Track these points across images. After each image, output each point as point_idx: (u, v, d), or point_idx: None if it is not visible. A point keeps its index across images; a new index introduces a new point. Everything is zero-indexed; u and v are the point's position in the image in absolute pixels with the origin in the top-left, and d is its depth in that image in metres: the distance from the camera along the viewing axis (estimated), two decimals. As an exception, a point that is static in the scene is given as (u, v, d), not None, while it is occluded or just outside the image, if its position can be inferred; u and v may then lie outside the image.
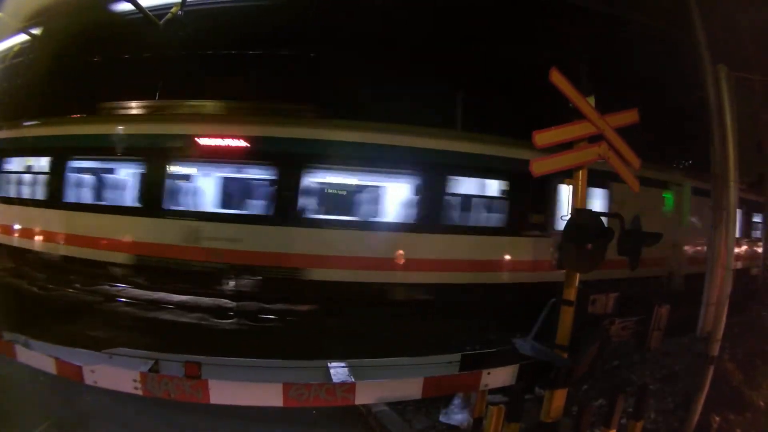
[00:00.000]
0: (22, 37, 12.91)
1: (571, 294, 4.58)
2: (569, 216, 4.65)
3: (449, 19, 11.45)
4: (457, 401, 5.34)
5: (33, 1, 12.96)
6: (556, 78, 4.51)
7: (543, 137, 4.45)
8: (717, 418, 4.81)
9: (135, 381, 4.00)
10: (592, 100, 4.78)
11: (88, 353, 4.59)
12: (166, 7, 10.24)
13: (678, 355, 6.15)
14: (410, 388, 4.07)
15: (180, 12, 9.22)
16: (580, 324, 4.56)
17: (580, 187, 4.73)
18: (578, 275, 4.58)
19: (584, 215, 4.66)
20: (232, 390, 4.00)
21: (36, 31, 12.43)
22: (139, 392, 4.00)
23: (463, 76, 11.43)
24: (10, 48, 13.38)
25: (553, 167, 4.56)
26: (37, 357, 4.42)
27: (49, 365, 4.29)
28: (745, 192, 10.97)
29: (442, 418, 5.27)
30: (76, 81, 12.15)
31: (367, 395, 4.09)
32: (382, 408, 5.42)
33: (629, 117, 5.07)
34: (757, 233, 13.04)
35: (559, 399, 4.53)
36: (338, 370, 4.43)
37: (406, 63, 11.61)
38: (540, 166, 4.49)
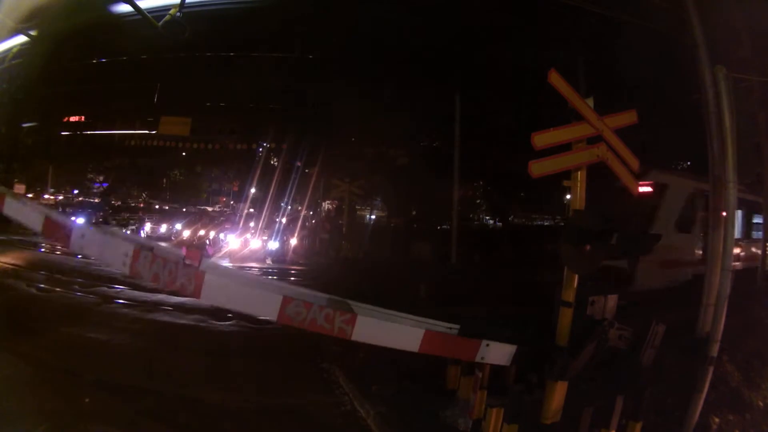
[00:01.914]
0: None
1: (569, 295, 4.59)
2: (569, 217, 4.66)
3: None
4: (456, 403, 5.35)
5: (31, 1, 12.92)
6: (555, 79, 4.53)
7: (541, 138, 4.46)
8: (716, 419, 4.81)
9: (126, 256, 3.64)
10: (591, 102, 4.80)
11: (82, 225, 4.22)
12: (164, 9, 10.23)
13: (677, 355, 6.16)
14: (409, 338, 3.99)
15: (178, 13, 9.21)
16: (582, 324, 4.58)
17: (579, 188, 4.74)
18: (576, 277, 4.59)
19: (583, 216, 4.67)
20: (227, 291, 3.68)
21: (34, 33, 12.41)
22: (126, 270, 3.65)
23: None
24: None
25: (551, 168, 4.57)
26: (26, 212, 4.08)
27: (36, 223, 3.93)
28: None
29: (441, 420, 5.27)
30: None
31: (365, 334, 3.91)
32: (381, 409, 5.42)
33: (628, 118, 5.08)
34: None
35: (558, 400, 4.54)
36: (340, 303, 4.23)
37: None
38: (539, 168, 4.50)
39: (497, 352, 4.25)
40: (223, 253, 20.07)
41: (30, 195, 27.29)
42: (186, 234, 22.44)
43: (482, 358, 4.21)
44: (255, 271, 16.27)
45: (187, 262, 3.56)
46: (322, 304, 3.78)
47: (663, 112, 11.63)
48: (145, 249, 3.72)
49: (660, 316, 4.84)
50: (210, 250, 19.89)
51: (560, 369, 4.31)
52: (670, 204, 10.56)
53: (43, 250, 16.70)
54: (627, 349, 4.66)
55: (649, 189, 10.10)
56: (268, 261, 18.78)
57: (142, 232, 23.02)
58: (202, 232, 21.45)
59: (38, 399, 4.91)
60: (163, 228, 25.32)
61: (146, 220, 25.06)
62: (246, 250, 20.44)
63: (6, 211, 4.13)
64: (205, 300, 3.63)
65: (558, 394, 4.49)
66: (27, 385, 5.29)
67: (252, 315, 3.76)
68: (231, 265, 17.27)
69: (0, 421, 4.42)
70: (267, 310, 3.64)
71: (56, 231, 3.89)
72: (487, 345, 4.19)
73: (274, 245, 20.39)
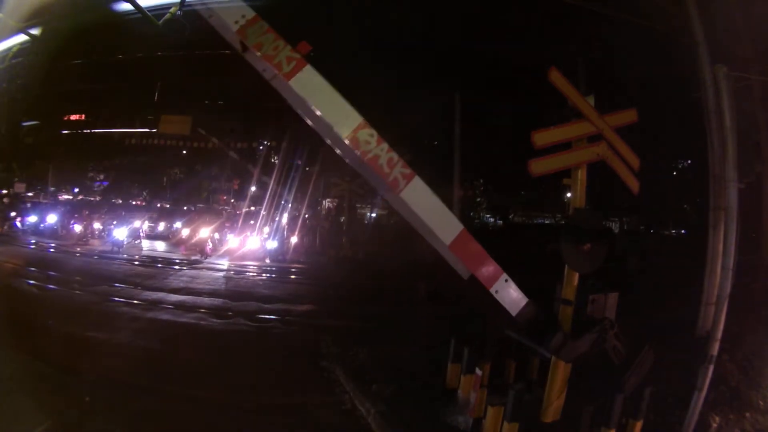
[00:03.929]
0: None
1: (569, 293, 4.59)
2: (569, 216, 4.66)
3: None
4: (456, 402, 5.35)
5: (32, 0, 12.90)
6: (555, 77, 4.52)
7: (542, 137, 4.46)
8: (717, 418, 4.81)
9: (244, 17, 3.98)
10: (591, 100, 4.79)
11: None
12: (165, 7, 10.20)
13: (677, 354, 6.16)
14: (448, 227, 4.13)
15: (179, 12, 9.19)
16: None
17: (579, 186, 4.74)
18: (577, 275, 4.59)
19: (583, 215, 4.67)
20: (317, 91, 4.00)
21: (35, 32, 12.38)
22: (236, 27, 3.97)
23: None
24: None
25: (552, 167, 4.57)
26: None
27: None
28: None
29: (441, 419, 5.27)
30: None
31: (414, 197, 4.04)
32: (381, 408, 5.42)
33: (628, 116, 5.07)
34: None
35: (558, 398, 4.55)
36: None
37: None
38: (538, 166, 4.50)
39: (511, 294, 4.27)
40: (222, 251, 20.03)
41: (30, 194, 27.32)
42: (185, 232, 22.41)
43: (496, 292, 4.24)
44: (253, 270, 16.22)
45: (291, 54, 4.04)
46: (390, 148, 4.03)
47: (663, 111, 11.62)
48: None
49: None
50: (209, 249, 19.86)
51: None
52: None
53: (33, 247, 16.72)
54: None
55: None
56: (268, 260, 18.73)
57: (140, 231, 22.98)
58: (201, 232, 21.36)
59: (39, 398, 4.91)
60: (161, 226, 25.25)
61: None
62: (245, 249, 20.37)
63: None
64: (293, 87, 3.98)
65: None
66: (27, 384, 5.29)
67: (319, 119, 4.10)
68: (231, 263, 17.25)
69: (0, 421, 4.43)
70: (345, 123, 3.95)
71: None
72: (506, 280, 4.25)
73: (273, 244, 20.34)
